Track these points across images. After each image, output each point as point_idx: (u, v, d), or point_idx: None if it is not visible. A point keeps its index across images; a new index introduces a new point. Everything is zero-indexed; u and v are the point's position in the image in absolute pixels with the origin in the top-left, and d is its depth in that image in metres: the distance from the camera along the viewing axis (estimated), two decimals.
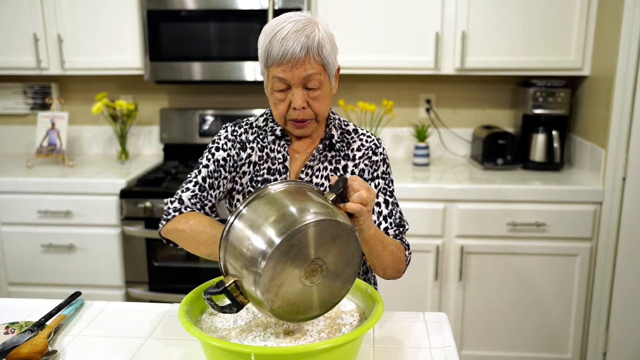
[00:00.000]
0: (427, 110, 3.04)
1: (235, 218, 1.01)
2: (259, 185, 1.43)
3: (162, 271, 2.60)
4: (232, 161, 1.43)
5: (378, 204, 1.41)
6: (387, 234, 1.39)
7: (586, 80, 2.70)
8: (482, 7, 2.60)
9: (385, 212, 1.41)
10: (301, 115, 1.32)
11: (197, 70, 2.70)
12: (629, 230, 2.41)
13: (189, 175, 1.44)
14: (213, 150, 1.44)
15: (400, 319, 1.34)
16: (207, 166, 1.42)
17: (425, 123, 3.02)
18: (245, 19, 2.63)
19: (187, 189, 1.40)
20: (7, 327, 1.25)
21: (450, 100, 3.03)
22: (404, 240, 1.43)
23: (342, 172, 1.43)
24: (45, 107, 3.13)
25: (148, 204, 2.53)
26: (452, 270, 2.54)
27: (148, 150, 3.21)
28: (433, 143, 3.05)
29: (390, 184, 1.45)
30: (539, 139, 2.76)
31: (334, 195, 1.07)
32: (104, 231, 2.61)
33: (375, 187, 1.42)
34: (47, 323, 1.27)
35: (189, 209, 1.37)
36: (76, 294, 1.43)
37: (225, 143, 1.44)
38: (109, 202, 2.58)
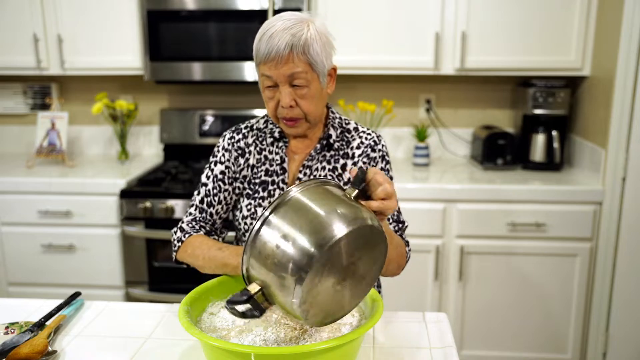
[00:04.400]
0: (427, 110, 3.04)
1: (261, 225, 0.97)
2: (256, 187, 1.44)
3: (162, 271, 2.60)
4: (230, 172, 1.46)
5: None
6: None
7: (586, 80, 2.70)
8: (482, 7, 2.60)
9: None
10: (289, 113, 1.33)
11: (197, 70, 2.70)
12: (629, 230, 2.41)
13: (192, 197, 1.50)
14: (212, 166, 1.47)
15: (400, 319, 1.34)
16: (205, 184, 1.47)
17: (425, 123, 3.02)
18: (245, 19, 2.63)
19: (190, 213, 1.47)
20: (7, 327, 1.25)
21: (450, 100, 3.03)
22: (403, 237, 1.43)
23: (340, 170, 1.43)
24: (45, 107, 3.13)
25: (148, 204, 2.53)
26: (452, 270, 2.54)
27: (148, 150, 3.21)
28: (433, 143, 3.05)
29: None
30: (539, 139, 2.76)
31: (357, 191, 1.04)
32: (104, 231, 2.61)
33: None
34: (47, 323, 1.27)
35: (187, 235, 1.41)
36: (76, 294, 1.43)
37: (223, 155, 1.47)
38: (109, 202, 2.58)
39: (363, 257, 0.99)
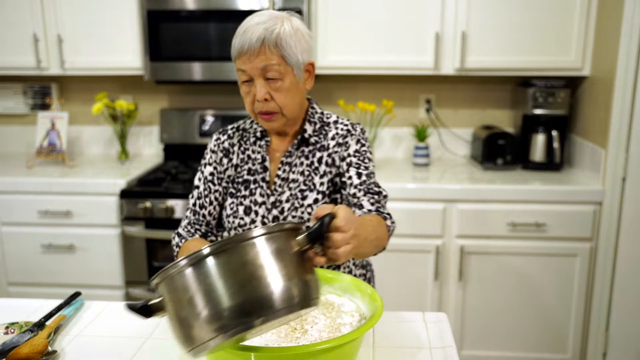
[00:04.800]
0: (427, 110, 3.04)
1: (191, 264, 0.85)
2: (239, 186, 1.45)
3: None
4: (217, 172, 1.49)
5: (349, 177, 1.40)
6: (361, 205, 1.35)
7: (586, 80, 2.70)
8: (482, 7, 2.60)
9: (356, 181, 1.39)
10: (265, 107, 1.34)
11: (197, 70, 2.70)
12: (629, 230, 2.41)
13: (188, 201, 1.52)
14: (202, 168, 1.51)
15: (400, 319, 1.34)
16: (197, 187, 1.50)
17: (425, 123, 3.02)
18: None
19: (186, 217, 1.50)
20: (7, 327, 1.25)
21: (450, 100, 3.03)
22: (382, 211, 1.36)
23: (317, 164, 1.43)
24: (45, 107, 3.13)
25: (148, 204, 2.53)
26: (452, 270, 2.54)
27: (148, 150, 3.21)
28: (433, 143, 3.05)
29: (365, 161, 1.42)
30: (539, 139, 2.76)
31: (308, 244, 0.91)
32: (104, 231, 2.61)
33: (347, 164, 1.41)
34: (47, 323, 1.28)
35: (184, 240, 1.44)
36: (76, 294, 1.43)
37: (211, 157, 1.50)
38: (109, 202, 2.58)
39: (281, 322, 0.92)
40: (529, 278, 2.52)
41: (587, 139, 2.67)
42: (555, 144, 2.74)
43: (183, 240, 1.43)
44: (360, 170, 1.40)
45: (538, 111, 2.74)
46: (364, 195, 1.37)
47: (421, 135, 2.90)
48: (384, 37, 2.66)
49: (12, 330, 1.24)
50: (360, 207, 1.35)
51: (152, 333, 1.28)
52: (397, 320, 1.33)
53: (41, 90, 3.16)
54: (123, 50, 2.76)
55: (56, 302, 1.41)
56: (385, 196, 1.40)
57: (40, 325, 1.25)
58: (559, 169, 2.75)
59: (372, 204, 1.36)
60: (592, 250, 2.48)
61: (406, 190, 2.48)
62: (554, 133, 2.74)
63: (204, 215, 1.48)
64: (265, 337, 1.07)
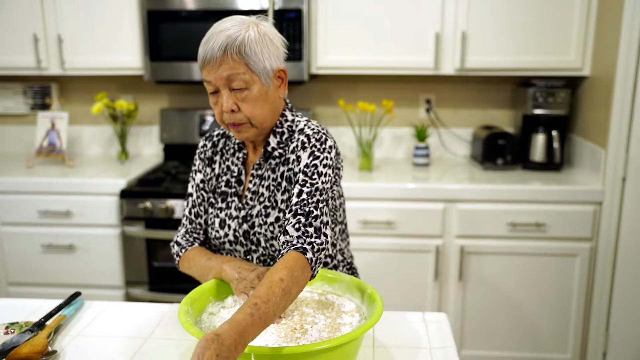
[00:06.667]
0: (427, 110, 3.04)
1: None
2: (218, 197, 1.43)
3: (162, 271, 2.60)
4: (207, 180, 1.47)
5: (292, 195, 1.28)
6: (286, 231, 1.22)
7: (586, 80, 2.70)
8: (482, 7, 2.60)
9: (294, 200, 1.26)
10: (232, 118, 1.28)
11: (197, 70, 2.70)
12: (629, 230, 2.41)
13: (184, 208, 1.50)
14: (193, 175, 1.48)
15: (400, 319, 1.34)
16: (191, 194, 1.48)
17: (425, 123, 3.02)
18: None
19: (183, 225, 1.48)
20: (7, 327, 1.25)
21: (450, 100, 3.03)
22: (304, 238, 1.21)
23: (279, 179, 1.36)
24: (45, 107, 3.13)
25: (148, 204, 2.53)
26: (452, 270, 2.54)
27: (148, 150, 3.21)
28: (433, 143, 3.05)
29: (313, 176, 1.28)
30: (539, 139, 2.76)
31: None
32: (104, 231, 2.61)
33: (295, 181, 1.29)
34: (47, 323, 1.28)
35: (184, 250, 1.43)
36: (76, 294, 1.43)
37: (200, 164, 1.48)
38: (109, 202, 2.58)
39: None
40: (529, 278, 2.52)
41: (587, 139, 2.67)
42: (555, 144, 2.74)
43: (183, 250, 1.42)
44: (303, 188, 1.27)
45: (538, 111, 2.74)
46: (293, 216, 1.24)
47: (421, 135, 2.90)
48: (384, 37, 2.66)
49: (12, 330, 1.25)
50: (285, 232, 1.23)
51: (152, 333, 1.28)
52: (397, 320, 1.33)
53: (41, 90, 3.16)
54: (123, 50, 2.76)
55: (56, 302, 1.41)
56: (316, 216, 1.23)
57: (40, 325, 1.26)
58: (559, 169, 2.75)
59: (298, 229, 1.22)
60: (592, 250, 2.48)
61: (406, 190, 2.48)
62: (554, 133, 2.74)
63: (200, 224, 1.46)
64: (265, 337, 1.07)
